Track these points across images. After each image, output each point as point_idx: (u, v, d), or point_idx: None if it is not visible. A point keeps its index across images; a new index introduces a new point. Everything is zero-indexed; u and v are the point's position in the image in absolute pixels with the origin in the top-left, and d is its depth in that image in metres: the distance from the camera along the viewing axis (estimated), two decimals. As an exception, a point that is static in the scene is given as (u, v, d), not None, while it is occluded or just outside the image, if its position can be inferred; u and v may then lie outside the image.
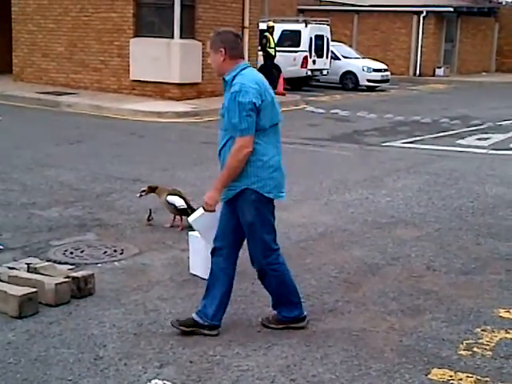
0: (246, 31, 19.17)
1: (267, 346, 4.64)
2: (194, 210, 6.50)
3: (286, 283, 4.87)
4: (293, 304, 4.89)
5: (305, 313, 4.94)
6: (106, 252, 6.56)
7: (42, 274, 5.42)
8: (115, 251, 6.58)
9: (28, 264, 5.79)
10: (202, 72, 17.71)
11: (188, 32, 17.22)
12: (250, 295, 5.53)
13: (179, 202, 7.24)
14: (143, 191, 7.54)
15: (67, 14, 18.08)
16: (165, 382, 4.12)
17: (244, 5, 19.02)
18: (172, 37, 16.88)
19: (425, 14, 33.82)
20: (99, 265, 6.17)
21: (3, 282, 5.32)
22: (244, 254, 5.02)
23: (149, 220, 7.48)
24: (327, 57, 24.84)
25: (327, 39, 24.70)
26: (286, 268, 4.90)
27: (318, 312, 5.22)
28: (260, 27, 20.54)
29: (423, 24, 34.05)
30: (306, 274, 6.02)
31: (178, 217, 7.37)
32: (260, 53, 21.05)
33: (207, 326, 4.75)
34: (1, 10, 19.23)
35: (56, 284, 5.22)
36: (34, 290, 5.11)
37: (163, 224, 7.41)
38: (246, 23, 19.15)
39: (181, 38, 16.97)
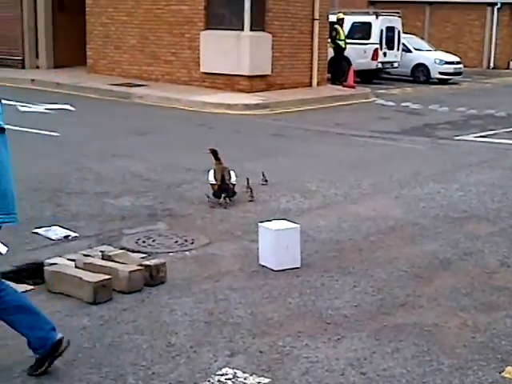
0: (316, 23, 19.08)
1: (336, 338, 4.63)
2: (227, 188, 7.72)
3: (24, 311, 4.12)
4: (44, 330, 4.11)
5: (59, 336, 4.12)
6: (176, 241, 6.65)
7: (116, 262, 5.53)
8: (186, 241, 6.66)
9: (102, 251, 5.91)
10: (272, 64, 17.73)
11: (258, 24, 17.24)
12: (319, 287, 5.52)
13: (209, 177, 7.88)
14: (209, 150, 8.07)
15: (139, 6, 18.33)
16: (235, 370, 4.16)
17: (314, -3, 18.95)
18: (242, 29, 16.93)
19: (499, 5, 33.06)
20: (170, 254, 6.25)
21: (79, 268, 5.46)
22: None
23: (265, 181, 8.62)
24: (398, 49, 24.53)
25: (398, 31, 24.39)
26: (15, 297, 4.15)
27: (388, 306, 5.18)
28: (330, 19, 20.41)
29: (497, 16, 33.28)
30: (376, 267, 5.98)
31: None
32: (330, 45, 20.92)
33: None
34: (76, 3, 19.61)
35: (129, 272, 5.32)
36: (108, 277, 5.22)
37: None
38: (316, 15, 19.05)
39: (251, 30, 17.00)
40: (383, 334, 4.69)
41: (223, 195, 7.84)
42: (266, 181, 8.75)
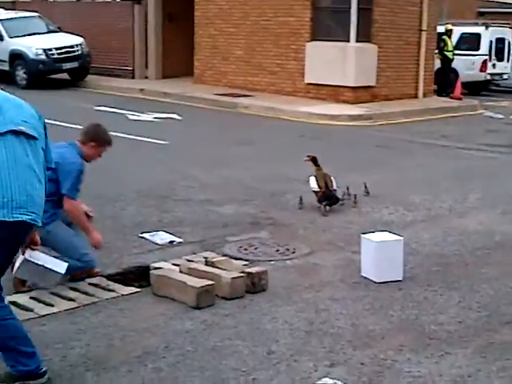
0: (424, 34, 18.77)
1: (440, 354, 4.53)
2: (330, 197, 7.83)
3: (10, 330, 3.95)
4: (25, 355, 3.97)
5: (44, 368, 4.03)
6: (278, 250, 6.68)
7: (219, 268, 5.61)
8: (287, 250, 6.69)
9: (205, 258, 6.01)
10: (377, 75, 17.58)
11: (364, 35, 17.14)
12: (422, 301, 5.42)
13: (312, 184, 7.97)
14: (308, 156, 8.19)
15: (247, 18, 18.56)
16: (335, 381, 4.13)
17: (422, 8, 18.63)
18: (348, 40, 16.88)
19: None
20: (272, 262, 6.29)
21: (183, 273, 5.56)
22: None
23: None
24: (508, 60, 23.84)
25: (509, 42, 23.71)
26: (8, 311, 4.01)
27: (494, 323, 5.03)
28: (438, 30, 20.07)
29: None
30: (483, 283, 5.82)
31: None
32: (437, 56, 20.56)
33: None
34: (185, 15, 20.05)
35: (232, 278, 5.38)
36: (211, 282, 5.30)
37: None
38: (424, 26, 18.75)
39: (357, 41, 16.92)
40: (489, 352, 4.56)
41: (324, 203, 7.89)
42: (368, 192, 8.67)
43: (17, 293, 5.35)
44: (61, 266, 4.55)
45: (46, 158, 4.08)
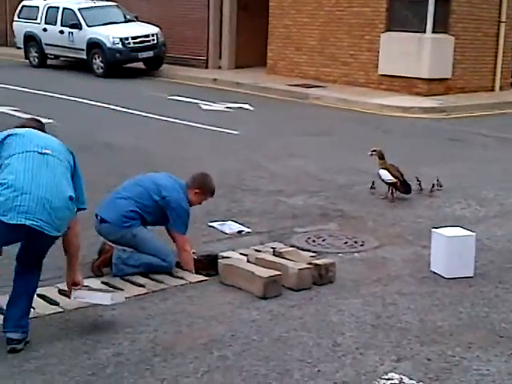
0: (503, 26, 18.28)
1: (510, 353, 4.43)
2: (407, 185, 7.94)
3: None
4: None
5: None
6: (346, 242, 6.65)
7: (286, 259, 5.62)
8: (355, 242, 6.65)
9: (273, 248, 6.04)
10: (453, 67, 17.25)
11: (441, 26, 16.81)
12: (493, 298, 5.32)
13: (387, 177, 7.98)
14: (374, 151, 8.19)
15: (321, 8, 18.45)
16: (401, 376, 4.09)
17: (502, -1, 18.22)
18: (424, 31, 16.58)
19: None
20: (340, 254, 6.27)
21: (251, 263, 5.59)
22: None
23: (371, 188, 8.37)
24: None
25: None
26: None
27: None
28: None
29: None
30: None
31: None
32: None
33: None
34: (259, 6, 20.08)
35: (299, 269, 5.39)
36: (279, 273, 5.32)
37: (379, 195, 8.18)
38: (503, 17, 18.25)
39: (433, 32, 16.61)
40: (561, 353, 4.44)
41: (393, 190, 8.07)
42: (441, 186, 8.53)
43: (90, 277, 5.49)
44: (106, 299, 4.65)
45: (78, 198, 4.48)
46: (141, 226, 5.71)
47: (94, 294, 4.69)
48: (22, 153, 4.31)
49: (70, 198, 4.33)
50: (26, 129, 4.63)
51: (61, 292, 5.07)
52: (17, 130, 4.58)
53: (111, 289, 5.15)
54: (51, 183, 4.25)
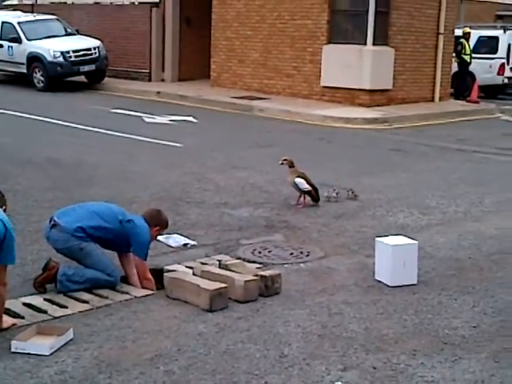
0: (441, 37, 18.67)
1: (453, 359, 4.49)
2: (317, 192, 8.19)
3: None
4: None
5: None
6: (292, 253, 6.67)
7: (232, 271, 5.61)
8: (301, 253, 6.68)
9: (219, 260, 6.02)
10: (394, 78, 17.52)
11: (381, 38, 17.07)
12: (436, 305, 5.39)
13: (304, 185, 8.25)
14: (285, 160, 8.46)
15: (264, 21, 18.55)
16: (348, 385, 4.12)
17: (440, 11, 18.53)
18: (365, 43, 16.82)
19: None
20: (286, 265, 6.28)
21: (196, 276, 5.56)
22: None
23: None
24: (526, 64, 23.65)
25: (527, 46, 23.52)
26: None
27: (509, 328, 4.98)
28: (455, 33, 19.95)
29: None
30: (498, 288, 5.77)
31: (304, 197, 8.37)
32: (454, 59, 20.45)
33: None
34: (202, 19, 20.08)
35: (245, 281, 5.38)
36: (225, 285, 5.30)
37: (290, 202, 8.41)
38: (441, 29, 18.65)
39: (373, 44, 16.86)
40: (503, 357, 4.52)
41: (305, 197, 8.38)
42: (356, 196, 8.70)
43: (33, 294, 5.38)
44: (45, 349, 4.51)
45: (3, 256, 4.67)
46: (91, 242, 5.62)
47: (33, 345, 4.53)
48: None
49: None
50: None
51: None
52: None
53: (53, 325, 4.90)
54: None
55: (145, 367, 4.29)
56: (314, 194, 8.34)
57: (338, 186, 8.89)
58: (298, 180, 8.28)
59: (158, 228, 5.91)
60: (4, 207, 4.97)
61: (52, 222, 5.61)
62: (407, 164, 11.30)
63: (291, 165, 8.42)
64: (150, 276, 5.74)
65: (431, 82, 18.88)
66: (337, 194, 8.58)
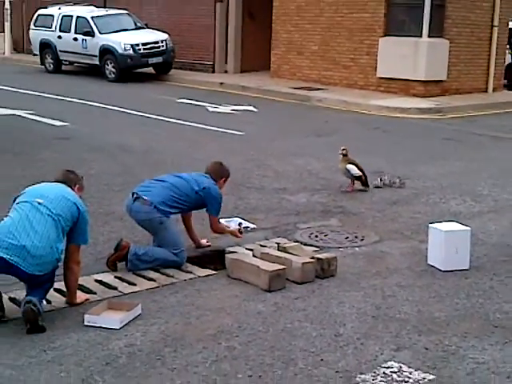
0: (495, 30, 18.25)
1: (504, 342, 4.42)
2: (366, 178, 8.23)
3: None
4: None
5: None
6: (347, 238, 6.63)
7: (290, 253, 5.61)
8: (356, 237, 6.64)
9: (278, 243, 6.03)
10: (448, 70, 17.21)
11: (436, 31, 16.76)
12: (488, 290, 5.30)
13: (355, 171, 8.29)
14: (343, 149, 8.43)
15: (322, 14, 18.42)
16: (400, 364, 4.08)
17: (495, 4, 18.11)
18: (420, 35, 16.54)
19: None
20: (341, 249, 6.25)
21: (256, 257, 5.59)
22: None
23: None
24: None
25: None
26: None
27: (559, 314, 4.87)
28: (510, 26, 19.46)
29: None
30: (548, 274, 5.64)
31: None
32: (508, 51, 19.95)
33: None
34: (263, 12, 20.06)
35: (303, 263, 5.38)
36: (283, 267, 5.31)
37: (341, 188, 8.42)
38: (496, 22, 18.22)
39: (429, 36, 16.56)
40: (553, 342, 4.42)
41: (354, 183, 8.41)
42: (403, 183, 8.59)
43: (104, 272, 5.50)
44: (115, 323, 4.57)
45: (77, 237, 4.80)
46: (170, 218, 5.74)
47: (104, 319, 4.62)
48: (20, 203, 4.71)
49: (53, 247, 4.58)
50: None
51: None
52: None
53: (125, 302, 4.96)
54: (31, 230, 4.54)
55: (207, 342, 4.33)
56: (363, 180, 8.34)
57: (392, 173, 8.81)
58: (350, 166, 8.29)
59: (223, 179, 6.18)
60: (77, 186, 5.05)
61: (135, 196, 5.73)
62: (460, 153, 11.10)
63: (345, 154, 8.40)
64: (221, 226, 6.12)
65: (485, 74, 18.48)
66: (383, 182, 8.56)
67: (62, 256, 4.70)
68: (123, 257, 5.60)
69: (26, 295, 4.53)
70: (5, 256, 4.41)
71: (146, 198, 5.66)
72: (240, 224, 6.66)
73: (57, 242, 4.59)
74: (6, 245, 4.44)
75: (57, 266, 4.68)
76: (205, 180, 5.95)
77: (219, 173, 6.13)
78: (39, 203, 4.65)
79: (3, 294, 4.73)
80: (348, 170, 8.30)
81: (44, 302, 4.69)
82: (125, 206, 5.90)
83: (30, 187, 4.91)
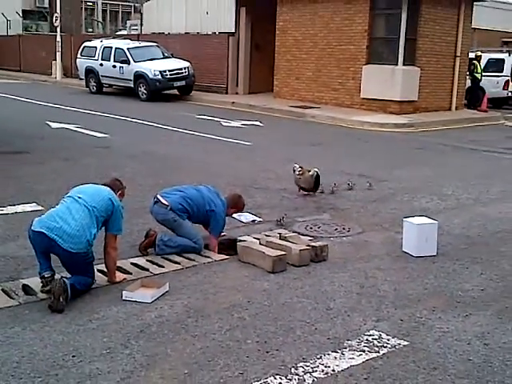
0: (458, 59, 18.24)
1: (465, 314, 4.42)
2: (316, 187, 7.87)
3: None
4: None
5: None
6: (336, 229, 6.62)
7: (290, 242, 5.61)
8: (344, 229, 6.62)
9: (279, 233, 6.02)
10: (419, 91, 17.20)
11: (409, 60, 16.76)
12: (451, 272, 5.30)
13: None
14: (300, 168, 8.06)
15: (316, 46, 18.39)
16: (380, 333, 4.08)
17: (457, 38, 18.12)
18: (396, 64, 16.54)
19: None
20: (331, 238, 6.24)
21: (262, 245, 5.59)
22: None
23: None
24: (527, 80, 22.80)
25: (528, 66, 22.69)
26: None
27: (510, 291, 4.86)
28: (469, 56, 19.41)
29: None
30: (502, 259, 5.64)
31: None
32: (468, 77, 19.91)
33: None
34: (268, 45, 20.05)
35: (300, 250, 5.37)
36: (284, 253, 5.31)
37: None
38: (458, 52, 18.21)
39: (403, 64, 16.57)
40: (505, 314, 4.42)
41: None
42: (371, 185, 8.47)
43: (138, 256, 5.51)
44: (147, 297, 4.57)
45: (112, 227, 4.82)
46: (183, 217, 5.70)
47: (138, 295, 4.60)
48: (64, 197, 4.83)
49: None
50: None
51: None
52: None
53: (157, 281, 4.92)
54: (70, 217, 4.60)
55: (222, 314, 4.34)
56: (307, 188, 8.05)
57: (373, 177, 8.78)
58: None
59: (234, 210, 6.03)
60: (119, 192, 5.05)
61: (155, 200, 5.73)
62: (429, 160, 11.08)
63: (301, 171, 8.12)
64: (215, 245, 5.76)
65: (449, 95, 18.47)
66: (348, 185, 8.37)
67: (94, 240, 4.66)
68: (152, 243, 5.60)
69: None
70: (46, 232, 4.48)
71: (163, 201, 5.64)
72: (253, 220, 6.63)
73: (90, 227, 4.60)
74: (49, 225, 4.53)
75: (89, 254, 4.61)
76: (218, 203, 5.77)
77: (234, 203, 5.98)
78: (79, 197, 4.72)
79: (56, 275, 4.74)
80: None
81: (78, 287, 4.55)
82: (149, 208, 5.89)
83: (77, 187, 4.94)
